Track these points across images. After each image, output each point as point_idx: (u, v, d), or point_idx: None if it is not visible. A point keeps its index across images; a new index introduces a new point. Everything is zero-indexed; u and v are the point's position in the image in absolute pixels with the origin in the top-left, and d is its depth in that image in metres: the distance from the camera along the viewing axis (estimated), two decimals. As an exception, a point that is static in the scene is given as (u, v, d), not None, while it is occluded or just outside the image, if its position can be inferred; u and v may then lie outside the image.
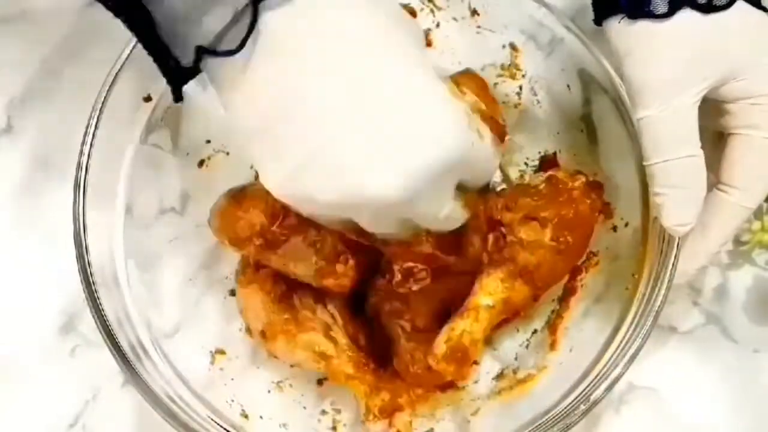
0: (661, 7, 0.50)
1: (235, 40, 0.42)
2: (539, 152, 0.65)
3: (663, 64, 0.51)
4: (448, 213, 0.48)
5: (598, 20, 0.54)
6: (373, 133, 0.42)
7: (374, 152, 0.42)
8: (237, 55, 0.42)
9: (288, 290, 0.60)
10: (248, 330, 0.61)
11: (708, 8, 0.51)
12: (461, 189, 0.49)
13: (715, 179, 0.54)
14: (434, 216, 0.47)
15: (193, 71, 0.43)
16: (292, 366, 0.62)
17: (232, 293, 0.63)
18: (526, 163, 0.66)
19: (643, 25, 0.51)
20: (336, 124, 0.42)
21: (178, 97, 0.44)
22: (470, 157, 0.45)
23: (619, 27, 0.52)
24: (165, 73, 0.44)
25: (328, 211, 0.46)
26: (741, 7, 0.51)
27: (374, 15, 0.44)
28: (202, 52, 0.42)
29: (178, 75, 0.44)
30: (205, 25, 0.41)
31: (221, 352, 0.61)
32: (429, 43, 0.66)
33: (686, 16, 0.51)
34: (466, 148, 0.44)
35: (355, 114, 0.42)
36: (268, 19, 0.42)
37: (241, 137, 0.45)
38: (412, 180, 0.43)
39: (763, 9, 0.53)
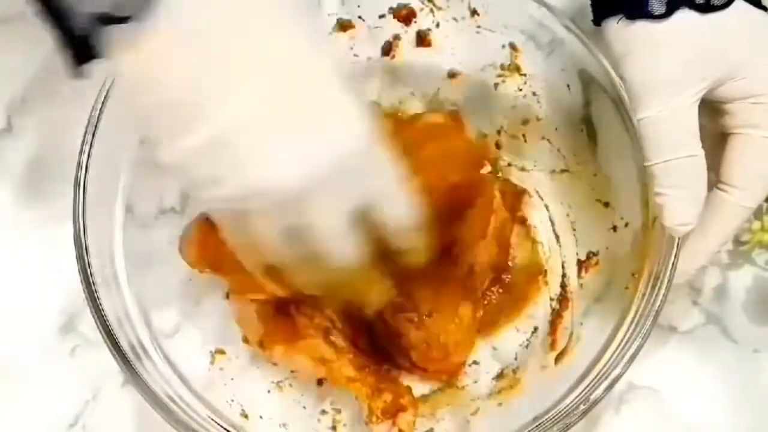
0: (659, 7, 0.50)
1: (136, 8, 0.39)
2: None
3: (661, 64, 0.51)
4: (342, 242, 0.45)
5: (597, 21, 0.54)
6: (276, 119, 0.41)
7: (276, 139, 0.41)
8: (137, 23, 0.39)
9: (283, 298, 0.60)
10: (245, 339, 0.61)
11: (706, 8, 0.51)
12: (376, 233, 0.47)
13: (716, 179, 0.54)
14: (327, 235, 0.44)
15: (90, 42, 0.40)
16: (292, 371, 0.62)
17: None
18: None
19: (641, 26, 0.51)
20: (239, 107, 0.40)
21: (77, 73, 0.42)
22: (372, 168, 0.44)
23: (617, 28, 0.52)
24: (65, 45, 0.41)
25: (223, 200, 0.43)
26: (740, 7, 0.51)
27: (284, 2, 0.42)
28: (100, 20, 0.39)
29: (77, 46, 0.41)
30: None
31: (221, 352, 0.61)
32: (429, 44, 0.66)
33: (684, 16, 0.51)
34: (368, 155, 0.43)
35: (260, 98, 0.41)
36: None
37: (139, 109, 0.42)
38: (311, 168, 0.41)
39: (763, 8, 0.53)
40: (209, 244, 0.57)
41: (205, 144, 0.40)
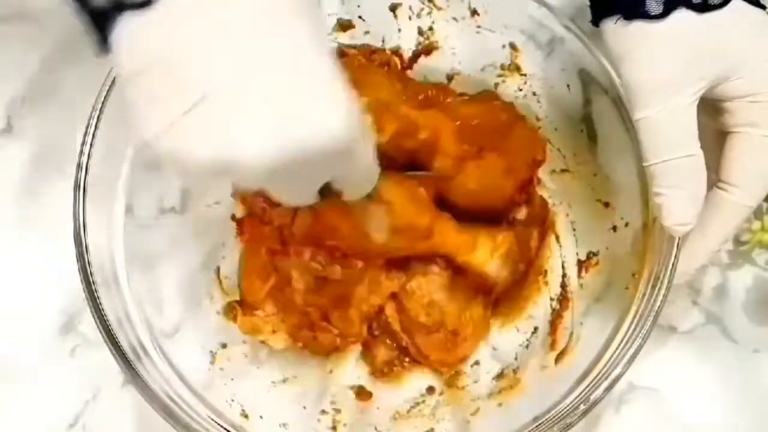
0: (656, 7, 0.50)
1: None
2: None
3: (659, 65, 0.51)
4: (308, 199, 0.47)
5: (596, 21, 0.54)
6: (257, 97, 0.40)
7: (254, 116, 0.40)
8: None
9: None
10: (242, 299, 0.63)
11: (703, 7, 0.51)
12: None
13: (716, 177, 0.54)
14: (296, 198, 0.46)
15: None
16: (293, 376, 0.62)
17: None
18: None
19: (639, 26, 0.51)
20: (219, 80, 0.40)
21: (103, 49, 0.41)
22: (349, 152, 0.43)
23: (614, 28, 0.52)
24: (89, 24, 0.41)
25: (199, 171, 0.43)
26: (737, 6, 0.51)
27: None
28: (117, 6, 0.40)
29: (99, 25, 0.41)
30: None
31: (221, 351, 0.61)
32: (430, 45, 0.66)
33: (681, 16, 0.51)
34: (349, 139, 0.42)
35: (243, 75, 0.40)
36: None
37: (121, 78, 0.42)
38: (280, 152, 0.40)
39: (761, 6, 0.53)
40: None
41: (189, 110, 0.40)
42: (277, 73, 0.40)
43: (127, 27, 0.40)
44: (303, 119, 0.40)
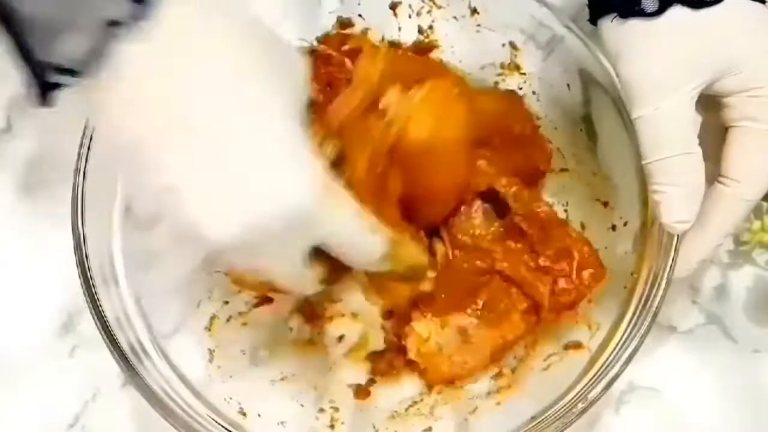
0: (651, 5, 0.50)
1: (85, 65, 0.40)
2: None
3: (655, 62, 0.51)
4: (303, 280, 0.47)
5: (593, 20, 0.54)
6: (219, 176, 0.40)
7: (217, 195, 0.41)
8: (89, 78, 0.40)
9: None
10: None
11: (699, 4, 0.51)
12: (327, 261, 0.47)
13: (717, 172, 0.54)
14: (288, 277, 0.46)
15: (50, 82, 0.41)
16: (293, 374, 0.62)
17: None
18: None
19: (635, 24, 0.51)
20: (185, 163, 0.40)
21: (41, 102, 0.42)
22: (322, 221, 0.43)
23: (611, 26, 0.52)
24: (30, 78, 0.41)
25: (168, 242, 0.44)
26: (734, 1, 0.51)
27: (237, 62, 0.41)
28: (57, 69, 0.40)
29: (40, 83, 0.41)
30: (62, 47, 0.39)
31: (219, 350, 0.61)
32: (432, 44, 0.66)
33: (677, 13, 0.51)
34: (315, 211, 0.42)
35: (205, 156, 0.40)
36: (126, 55, 0.39)
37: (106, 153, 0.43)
38: (244, 229, 0.41)
39: (761, 0, 0.53)
40: None
41: (155, 191, 0.41)
42: (237, 153, 0.41)
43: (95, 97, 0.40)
44: (260, 197, 0.41)
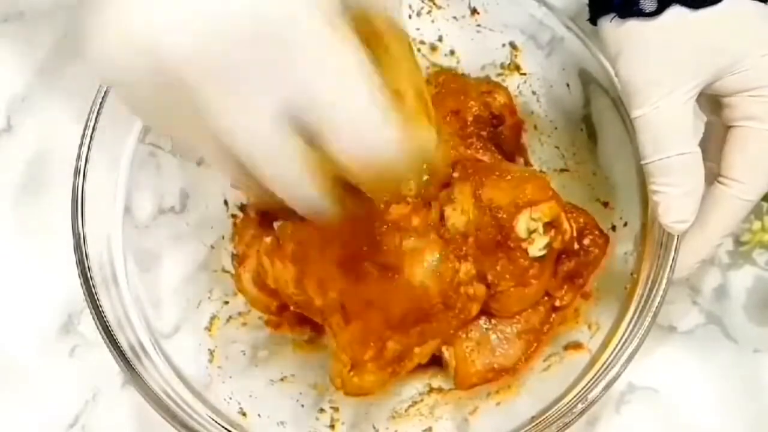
0: (650, 5, 0.51)
1: None
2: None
3: (653, 62, 0.51)
4: (306, 193, 0.42)
5: (593, 19, 0.54)
6: None
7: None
8: None
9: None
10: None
11: (698, 3, 0.51)
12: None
13: (717, 172, 0.54)
14: (289, 185, 0.41)
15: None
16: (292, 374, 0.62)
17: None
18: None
19: (633, 24, 0.52)
20: None
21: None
22: (308, 58, 0.37)
23: (610, 26, 0.52)
24: None
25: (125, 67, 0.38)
26: (733, 0, 0.52)
27: None
28: None
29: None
30: None
31: (219, 351, 0.62)
32: (430, 44, 0.67)
33: (676, 12, 0.51)
34: (295, 34, 0.36)
35: None
36: None
37: None
38: (205, 37, 0.36)
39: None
40: None
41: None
42: None
43: None
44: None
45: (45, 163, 0.70)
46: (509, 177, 0.58)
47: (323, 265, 0.56)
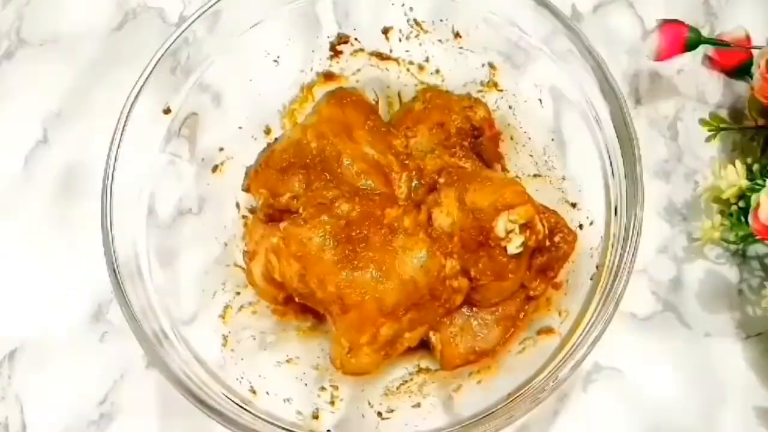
0: None
1: None
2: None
3: None
4: None
5: None
6: None
7: None
8: None
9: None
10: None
11: None
12: None
13: None
14: None
15: None
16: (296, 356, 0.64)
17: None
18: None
19: None
20: None
21: None
22: None
23: None
24: None
25: None
26: None
27: None
28: None
29: None
30: None
31: (232, 336, 0.63)
32: (418, 64, 0.68)
33: None
34: None
35: None
36: None
37: None
38: None
39: None
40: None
41: None
42: None
43: None
44: None
45: (77, 171, 0.71)
46: (490, 183, 0.60)
47: (323, 264, 0.59)
